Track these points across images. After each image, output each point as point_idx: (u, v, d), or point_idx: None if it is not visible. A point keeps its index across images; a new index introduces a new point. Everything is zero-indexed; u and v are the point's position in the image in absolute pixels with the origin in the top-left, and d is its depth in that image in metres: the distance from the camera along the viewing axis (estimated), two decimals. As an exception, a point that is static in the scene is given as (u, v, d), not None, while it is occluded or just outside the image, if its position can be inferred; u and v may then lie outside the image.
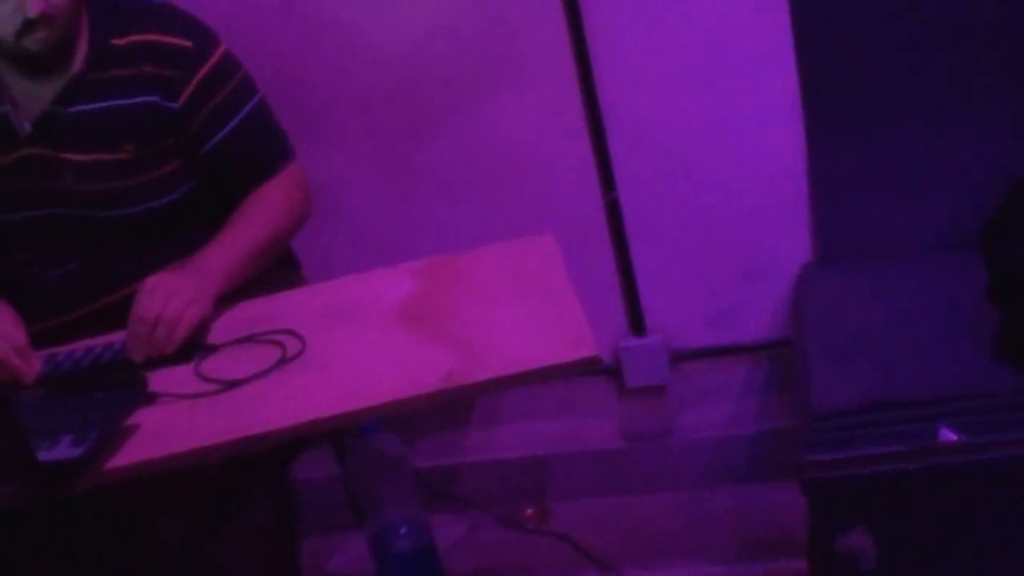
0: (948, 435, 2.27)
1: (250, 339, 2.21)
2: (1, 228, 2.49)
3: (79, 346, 2.34)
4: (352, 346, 2.14)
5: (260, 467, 2.27)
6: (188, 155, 2.48)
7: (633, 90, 2.89)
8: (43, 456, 1.88)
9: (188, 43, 2.44)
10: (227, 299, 2.37)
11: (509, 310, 2.11)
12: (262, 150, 2.53)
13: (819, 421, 2.35)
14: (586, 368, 1.93)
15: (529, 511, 3.24)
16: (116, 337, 2.31)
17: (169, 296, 2.24)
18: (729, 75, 2.83)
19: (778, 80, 2.80)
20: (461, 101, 2.95)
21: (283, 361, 2.11)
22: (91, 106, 2.42)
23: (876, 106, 2.75)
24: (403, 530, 2.67)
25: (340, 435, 2.72)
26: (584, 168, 2.96)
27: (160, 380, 2.13)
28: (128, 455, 1.96)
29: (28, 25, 2.30)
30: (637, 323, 3.07)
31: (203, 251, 2.41)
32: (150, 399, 2.08)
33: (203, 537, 2.23)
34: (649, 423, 3.19)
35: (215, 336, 2.27)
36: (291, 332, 2.19)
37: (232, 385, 2.08)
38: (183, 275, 2.32)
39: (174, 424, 2.02)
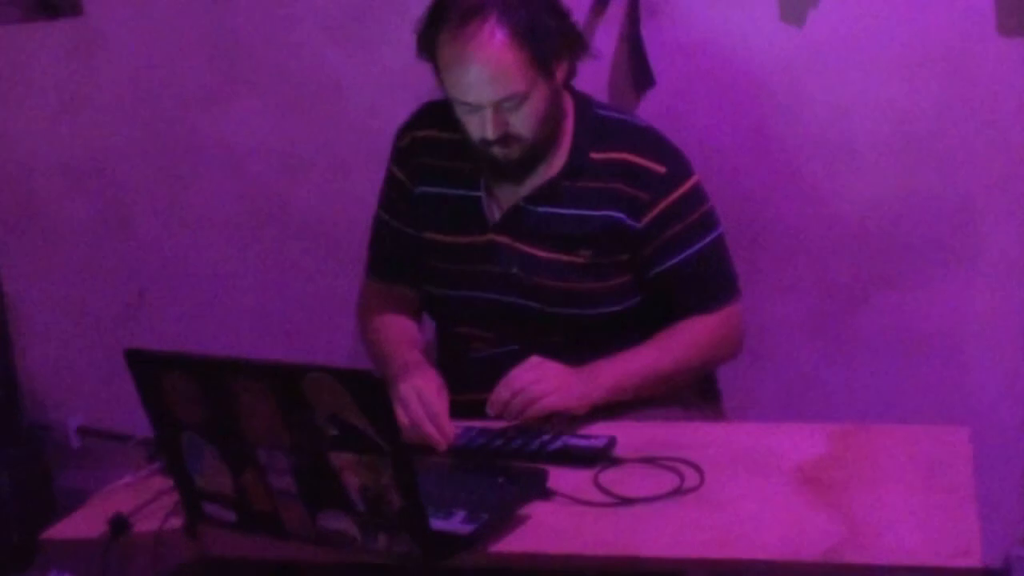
0: None
1: (652, 460, 2.24)
2: (454, 303, 2.64)
3: (495, 425, 2.42)
4: (747, 493, 2.14)
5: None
6: (638, 273, 2.57)
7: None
8: (435, 525, 1.95)
9: (662, 168, 2.52)
10: (642, 415, 2.45)
11: (905, 496, 2.08)
12: (708, 285, 2.58)
13: None
14: (966, 577, 1.89)
15: None
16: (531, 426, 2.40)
17: (542, 376, 2.37)
18: None
19: None
20: (909, 269, 2.95)
21: (678, 491, 2.14)
22: (559, 210, 2.54)
23: None
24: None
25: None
26: (1018, 360, 2.90)
27: (559, 478, 2.17)
28: (512, 543, 2.02)
29: (489, 142, 2.45)
30: (1038, 533, 2.98)
31: (605, 359, 2.48)
32: (546, 495, 2.14)
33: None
34: (1028, 636, 3.09)
35: (621, 449, 2.31)
36: (692, 464, 2.21)
37: (625, 502, 2.11)
38: (570, 369, 2.42)
39: (562, 525, 2.07)
